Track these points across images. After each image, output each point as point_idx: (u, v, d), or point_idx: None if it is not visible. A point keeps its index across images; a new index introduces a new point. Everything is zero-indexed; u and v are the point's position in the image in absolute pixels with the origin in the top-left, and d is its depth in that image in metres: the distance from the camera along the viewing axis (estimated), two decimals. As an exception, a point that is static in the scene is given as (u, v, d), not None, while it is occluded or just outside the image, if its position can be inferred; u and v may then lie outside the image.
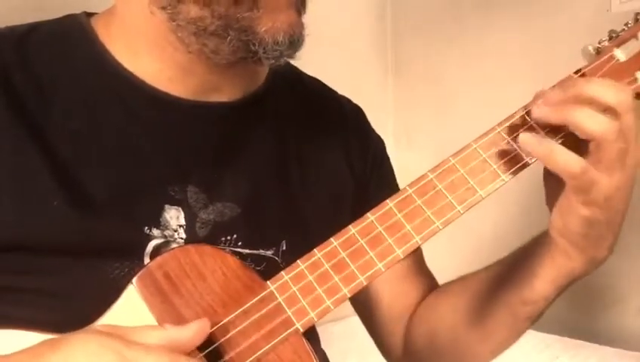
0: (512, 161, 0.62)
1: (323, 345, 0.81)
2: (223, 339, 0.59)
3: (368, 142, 0.86)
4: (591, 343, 1.37)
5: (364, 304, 0.87)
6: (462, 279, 0.80)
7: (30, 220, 0.62)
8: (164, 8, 0.65)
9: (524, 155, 0.62)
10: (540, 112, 0.61)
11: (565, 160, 0.58)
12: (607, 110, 0.58)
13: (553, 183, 0.63)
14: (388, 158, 0.89)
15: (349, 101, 0.89)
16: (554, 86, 0.64)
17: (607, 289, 1.40)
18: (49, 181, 0.63)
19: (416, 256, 0.86)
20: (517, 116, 0.64)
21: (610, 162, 0.58)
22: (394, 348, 0.86)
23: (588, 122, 0.58)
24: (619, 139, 0.58)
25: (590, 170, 0.58)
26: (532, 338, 1.39)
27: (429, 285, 0.86)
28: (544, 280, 0.67)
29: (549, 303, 0.69)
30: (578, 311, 1.41)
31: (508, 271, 0.72)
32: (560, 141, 0.61)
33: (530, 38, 1.53)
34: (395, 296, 0.84)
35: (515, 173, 0.62)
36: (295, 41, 0.64)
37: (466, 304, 0.77)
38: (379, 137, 0.89)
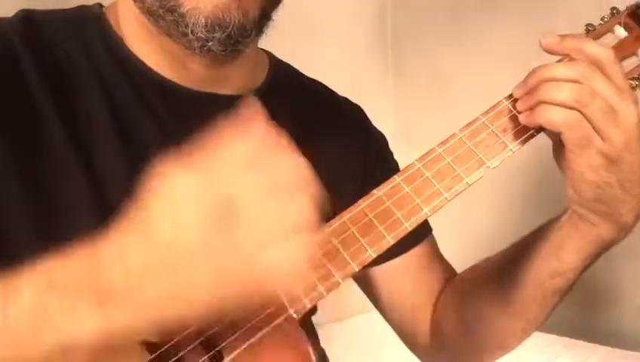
0: (497, 148, 0.64)
1: (323, 345, 0.81)
2: (217, 327, 0.58)
3: (369, 141, 0.86)
4: (591, 343, 1.37)
5: (385, 299, 0.86)
6: (486, 260, 0.80)
7: (48, 204, 0.63)
8: None
9: (507, 143, 0.64)
10: (522, 120, 0.63)
11: (562, 112, 0.60)
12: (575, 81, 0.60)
13: (561, 158, 0.63)
14: (391, 154, 0.89)
15: (348, 102, 0.89)
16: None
17: (607, 289, 1.40)
18: (70, 158, 0.64)
19: (432, 244, 0.86)
20: (501, 106, 0.65)
21: (597, 122, 0.59)
22: (421, 338, 0.85)
23: (558, 95, 0.60)
24: (597, 99, 0.59)
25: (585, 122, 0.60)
26: (532, 338, 1.38)
27: (449, 271, 0.86)
28: (571, 250, 0.66)
29: (578, 275, 0.68)
30: (578, 311, 1.41)
31: (533, 246, 0.71)
32: None
33: (530, 38, 1.52)
34: (416, 285, 0.84)
35: (499, 160, 0.64)
36: (229, 27, 0.63)
37: (493, 282, 0.76)
38: (380, 134, 0.89)
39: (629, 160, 0.61)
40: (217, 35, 0.63)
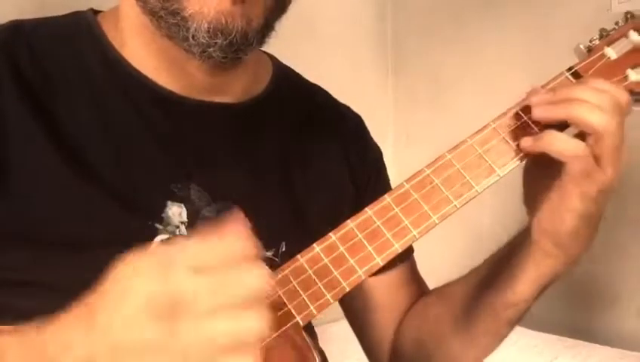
0: (507, 156, 0.64)
1: (323, 345, 0.81)
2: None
3: (367, 151, 0.87)
4: (591, 343, 1.37)
5: (357, 311, 0.87)
6: (448, 285, 0.81)
7: (41, 210, 0.62)
8: None
9: (518, 151, 0.63)
10: (541, 111, 0.63)
11: (571, 144, 0.60)
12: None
13: (537, 183, 0.64)
14: (385, 168, 0.89)
15: (349, 109, 0.89)
16: (546, 85, 0.66)
17: (607, 289, 1.40)
18: (60, 170, 0.63)
19: (410, 263, 0.86)
20: (512, 112, 0.65)
21: (607, 155, 0.60)
22: (381, 355, 0.86)
23: (590, 116, 0.60)
24: (617, 134, 0.60)
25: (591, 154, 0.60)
26: (532, 339, 1.39)
27: (420, 292, 0.86)
28: (525, 282, 0.68)
29: (529, 305, 0.70)
30: (578, 311, 1.41)
31: (490, 275, 0.72)
32: None
33: (529, 38, 1.53)
34: (388, 304, 0.85)
35: (510, 168, 0.64)
36: (232, 34, 0.62)
37: (452, 310, 0.77)
38: (377, 146, 0.90)
39: (607, 194, 0.62)
40: (219, 41, 0.62)
